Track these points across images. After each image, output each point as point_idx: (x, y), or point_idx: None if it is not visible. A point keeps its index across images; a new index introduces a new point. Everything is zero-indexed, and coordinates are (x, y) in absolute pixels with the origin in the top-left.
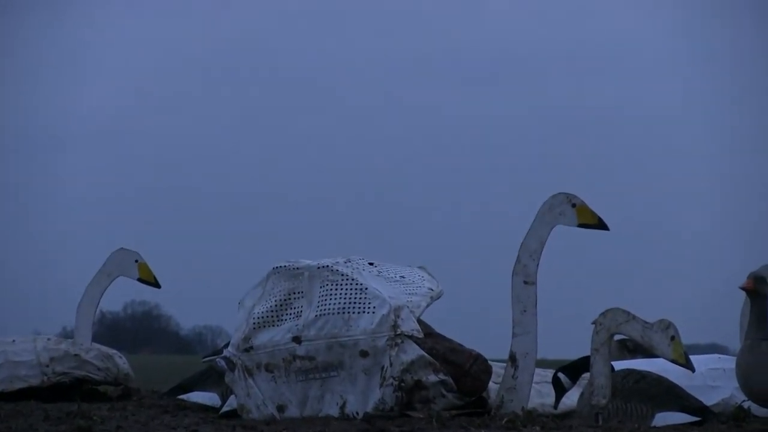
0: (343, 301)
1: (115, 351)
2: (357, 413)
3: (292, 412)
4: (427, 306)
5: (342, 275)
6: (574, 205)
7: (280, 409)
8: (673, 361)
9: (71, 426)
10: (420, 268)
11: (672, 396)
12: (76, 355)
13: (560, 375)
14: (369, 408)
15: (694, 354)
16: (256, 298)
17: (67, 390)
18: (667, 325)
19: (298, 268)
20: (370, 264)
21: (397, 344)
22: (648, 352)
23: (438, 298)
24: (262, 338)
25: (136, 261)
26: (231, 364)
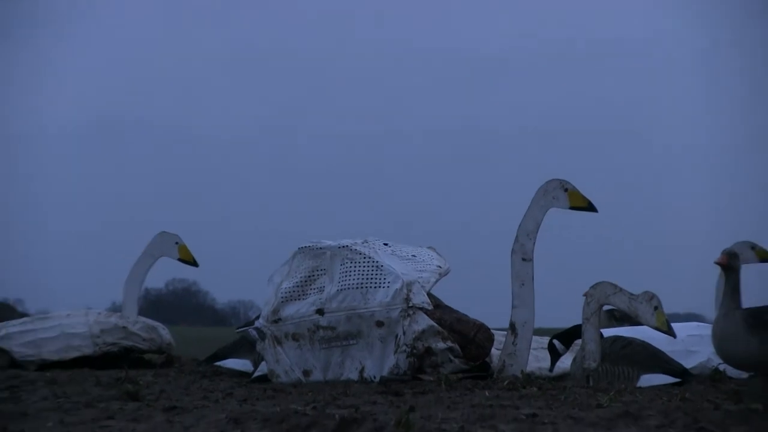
0: (361, 277)
1: (158, 323)
2: (374, 377)
3: (317, 376)
4: (436, 282)
5: (360, 254)
6: (566, 190)
7: (306, 373)
8: (656, 329)
9: (120, 390)
10: (429, 248)
11: (655, 360)
12: (123, 327)
13: (555, 342)
14: (385, 372)
15: (674, 322)
16: (284, 275)
17: (116, 358)
18: (651, 297)
19: (321, 248)
20: (385, 244)
21: (409, 315)
22: (634, 321)
23: (446, 275)
24: (289, 311)
25: (176, 243)
26: (261, 334)
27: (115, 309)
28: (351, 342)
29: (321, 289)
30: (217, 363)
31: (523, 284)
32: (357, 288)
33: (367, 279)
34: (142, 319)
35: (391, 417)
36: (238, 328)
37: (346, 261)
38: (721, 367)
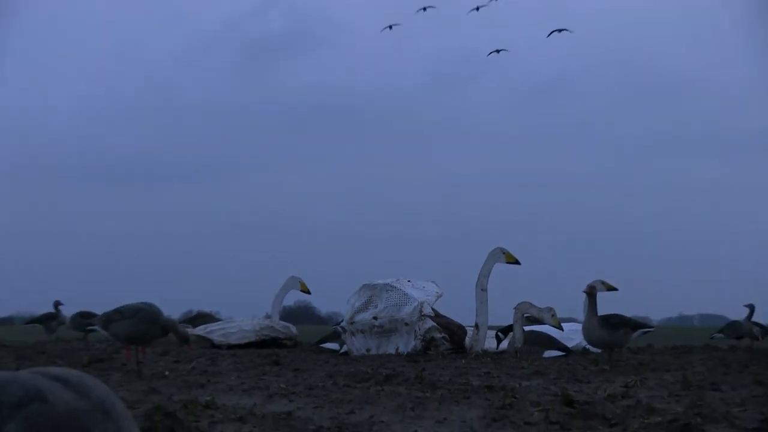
0: (396, 300)
1: (290, 324)
2: (403, 353)
3: (372, 352)
4: (435, 301)
5: (394, 287)
6: (504, 253)
7: (367, 351)
8: (553, 326)
9: (270, 360)
10: (432, 282)
11: (552, 341)
12: (271, 326)
13: (499, 333)
14: (409, 350)
15: (564, 323)
16: (356, 298)
17: (268, 343)
18: (550, 309)
19: (374, 284)
20: (408, 281)
21: (421, 319)
22: (541, 322)
23: (441, 296)
24: (358, 317)
25: (300, 281)
26: (344, 330)
27: (267, 316)
28: (391, 334)
29: (375, 306)
30: (321, 345)
31: (481, 303)
32: (394, 305)
33: (399, 301)
34: (282, 322)
35: (412, 373)
36: (334, 326)
37: (388, 291)
38: (587, 347)
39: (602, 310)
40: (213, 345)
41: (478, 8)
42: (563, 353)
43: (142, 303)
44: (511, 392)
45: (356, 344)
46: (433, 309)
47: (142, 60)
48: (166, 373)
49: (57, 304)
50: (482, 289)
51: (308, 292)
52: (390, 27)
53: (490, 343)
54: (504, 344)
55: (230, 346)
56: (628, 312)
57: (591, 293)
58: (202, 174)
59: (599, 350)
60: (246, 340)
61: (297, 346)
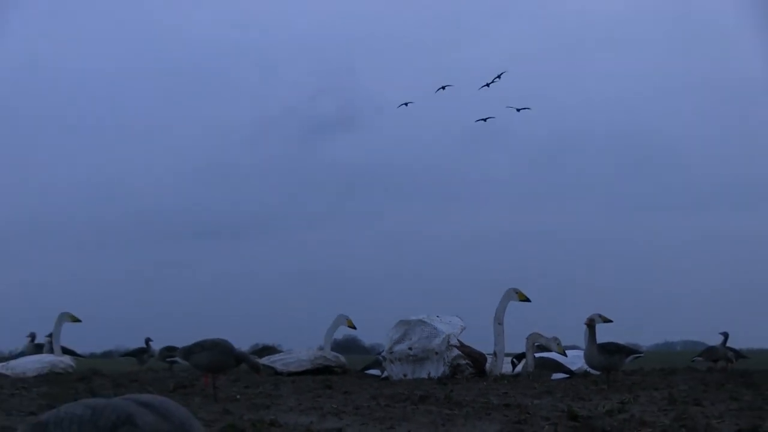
0: (427, 333)
1: (339, 354)
2: (434, 377)
3: (408, 376)
4: (460, 333)
5: (426, 323)
6: (517, 293)
7: (404, 376)
8: (558, 353)
9: (323, 384)
10: (457, 316)
11: (558, 366)
12: (324, 356)
13: (514, 360)
14: (439, 374)
15: (568, 349)
16: (393, 332)
17: (321, 370)
18: (556, 338)
19: (408, 320)
20: (437, 316)
21: (449, 349)
22: (549, 349)
23: (464, 329)
24: (396, 348)
25: (347, 318)
26: (384, 359)
27: (320, 348)
28: (424, 361)
29: (410, 338)
30: (365, 371)
31: (498, 334)
32: (426, 338)
33: (430, 333)
34: (333, 352)
35: (442, 394)
36: (376, 355)
37: (421, 325)
38: (589, 370)
39: (600, 338)
40: (276, 372)
41: (488, 84)
42: (568, 375)
43: (217, 338)
44: (525, 409)
45: (395, 370)
46: (458, 340)
47: (216, 137)
48: (238, 396)
49: (147, 340)
50: (499, 323)
51: (354, 328)
52: (405, 104)
53: (507, 368)
54: (518, 368)
55: (290, 374)
56: (621, 339)
57: (591, 325)
58: (272, 228)
59: (598, 373)
60: (303, 368)
61: (346, 372)
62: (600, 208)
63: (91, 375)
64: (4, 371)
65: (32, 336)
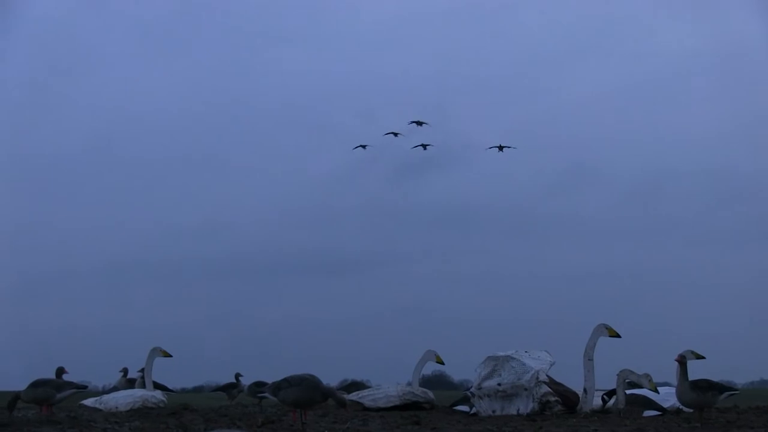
0: (517, 369)
1: (428, 389)
2: (523, 413)
3: (497, 413)
4: (549, 368)
5: (515, 358)
6: (607, 328)
7: (493, 412)
8: (650, 390)
9: (411, 420)
10: (545, 351)
11: (650, 403)
12: (412, 392)
13: (604, 396)
14: (528, 411)
15: (660, 386)
16: (482, 368)
17: (410, 406)
18: (648, 375)
19: (497, 356)
20: (525, 352)
21: (538, 385)
22: (640, 386)
23: (554, 364)
24: (485, 384)
25: (435, 354)
26: (473, 395)
27: (409, 384)
28: (512, 398)
29: (499, 374)
30: (454, 407)
31: (588, 370)
32: (515, 374)
33: (519, 369)
34: (420, 387)
35: (531, 430)
36: (464, 391)
37: (509, 361)
38: (680, 407)
39: (692, 375)
40: (364, 408)
41: (501, 148)
42: (660, 413)
43: (305, 374)
44: None
45: (483, 406)
46: (547, 375)
47: (309, 178)
48: (326, 431)
49: (237, 375)
50: (589, 359)
51: (442, 363)
52: (500, 148)
53: (597, 403)
54: (609, 404)
55: (378, 409)
56: (715, 377)
57: (682, 361)
58: (362, 266)
59: (691, 410)
60: (391, 404)
61: (434, 408)
62: (693, 243)
63: (181, 410)
64: (97, 406)
65: (125, 371)
